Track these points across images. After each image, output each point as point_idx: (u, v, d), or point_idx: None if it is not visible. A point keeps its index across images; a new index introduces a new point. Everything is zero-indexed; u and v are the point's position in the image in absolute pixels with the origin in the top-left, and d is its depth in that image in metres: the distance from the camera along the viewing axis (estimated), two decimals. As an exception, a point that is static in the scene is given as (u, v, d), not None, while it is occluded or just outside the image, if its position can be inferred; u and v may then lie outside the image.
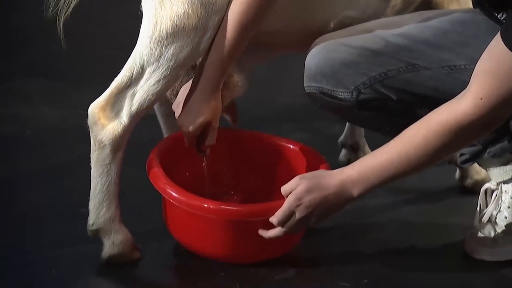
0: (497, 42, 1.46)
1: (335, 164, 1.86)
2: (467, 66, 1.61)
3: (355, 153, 2.19)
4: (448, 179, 2.12)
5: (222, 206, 1.69)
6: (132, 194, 1.88)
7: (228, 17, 1.64)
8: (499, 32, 1.46)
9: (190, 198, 1.69)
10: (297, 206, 1.58)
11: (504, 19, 1.58)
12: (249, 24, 1.64)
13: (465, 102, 1.49)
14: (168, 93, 1.83)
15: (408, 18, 1.78)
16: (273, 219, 1.61)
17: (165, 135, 2.00)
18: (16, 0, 3.36)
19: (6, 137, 2.33)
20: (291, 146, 1.91)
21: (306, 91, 1.76)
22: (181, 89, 1.76)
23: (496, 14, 1.60)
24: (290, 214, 1.59)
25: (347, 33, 1.75)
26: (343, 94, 1.72)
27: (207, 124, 1.70)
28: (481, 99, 1.48)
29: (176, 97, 1.79)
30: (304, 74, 1.74)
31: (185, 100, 1.70)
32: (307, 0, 1.77)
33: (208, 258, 1.75)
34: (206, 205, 1.68)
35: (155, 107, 1.96)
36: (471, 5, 1.84)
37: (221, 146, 1.84)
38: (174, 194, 1.69)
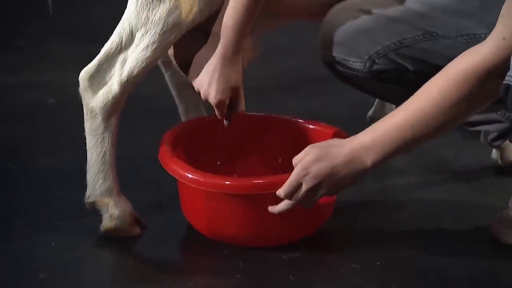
0: None
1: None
2: (487, 35, 1.53)
3: None
4: (484, 158, 2.07)
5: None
6: (144, 165, 1.87)
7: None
8: None
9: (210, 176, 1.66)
10: (304, 176, 1.52)
11: None
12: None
13: (487, 46, 1.42)
14: (174, 63, 1.81)
15: None
16: (280, 191, 1.55)
17: (179, 105, 2.01)
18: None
19: (29, 104, 2.37)
20: (310, 126, 1.86)
21: (321, 60, 1.74)
22: (195, 58, 1.72)
23: None
24: (298, 185, 1.54)
25: (363, 0, 1.73)
26: (356, 64, 1.70)
27: (236, 89, 1.69)
28: (504, 38, 1.40)
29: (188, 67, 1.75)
30: (319, 41, 1.71)
31: (205, 68, 1.67)
32: None
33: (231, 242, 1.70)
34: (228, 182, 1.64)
35: (167, 77, 1.97)
36: None
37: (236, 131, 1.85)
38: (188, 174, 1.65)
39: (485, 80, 1.43)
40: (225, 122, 1.77)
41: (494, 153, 2.05)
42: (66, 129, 2.19)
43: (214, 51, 1.67)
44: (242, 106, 1.72)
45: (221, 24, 1.65)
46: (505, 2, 1.42)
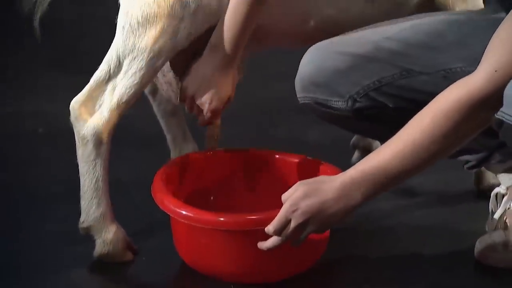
0: None
1: (347, 167, 1.82)
2: (463, 68, 1.58)
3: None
4: (465, 183, 2.09)
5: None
6: (136, 191, 1.88)
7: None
8: None
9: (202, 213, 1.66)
10: (293, 212, 1.51)
11: None
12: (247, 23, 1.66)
13: (478, 77, 1.43)
14: (165, 91, 1.83)
15: (401, 21, 1.75)
16: (269, 228, 1.53)
17: (167, 134, 2.02)
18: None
19: (19, 134, 2.39)
20: (294, 160, 1.87)
21: (300, 102, 1.75)
22: (192, 68, 1.75)
23: None
24: (287, 221, 1.52)
25: (340, 39, 1.74)
26: (338, 103, 1.71)
27: (228, 99, 1.74)
28: (495, 71, 1.41)
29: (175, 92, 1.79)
30: (297, 84, 1.75)
31: (203, 76, 1.71)
32: None
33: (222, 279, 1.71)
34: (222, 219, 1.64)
35: (154, 107, 1.99)
36: (480, 4, 1.83)
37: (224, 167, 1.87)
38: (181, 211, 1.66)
39: (476, 111, 1.44)
40: (211, 143, 1.80)
41: (474, 178, 2.06)
42: (56, 158, 2.21)
43: (211, 61, 1.70)
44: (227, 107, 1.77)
45: (219, 36, 1.68)
46: (494, 35, 1.45)
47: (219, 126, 1.79)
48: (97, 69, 1.74)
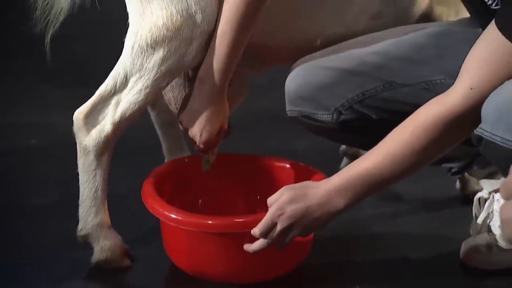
0: (491, 29, 1.45)
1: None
2: (443, 80, 1.62)
3: None
4: (449, 189, 2.12)
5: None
6: (130, 200, 1.89)
7: (222, 24, 1.66)
8: (494, 19, 1.45)
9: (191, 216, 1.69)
10: (279, 215, 1.54)
11: (494, 4, 1.55)
12: (243, 27, 1.65)
13: (455, 93, 1.47)
14: (168, 104, 1.86)
15: (384, 34, 1.78)
16: (255, 230, 1.56)
17: (163, 144, 2.05)
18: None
19: (12, 145, 2.39)
20: (282, 165, 1.90)
21: (288, 115, 1.78)
22: (183, 100, 1.77)
23: (487, 1, 1.56)
24: (273, 224, 1.55)
25: (324, 54, 1.77)
26: (323, 116, 1.74)
27: (221, 129, 1.74)
28: (471, 88, 1.45)
29: (177, 107, 1.81)
30: (286, 98, 1.77)
31: (192, 110, 1.72)
32: (292, 14, 1.79)
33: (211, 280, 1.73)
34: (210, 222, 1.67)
35: (152, 117, 2.02)
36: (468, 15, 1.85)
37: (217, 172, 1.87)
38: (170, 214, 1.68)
39: (453, 126, 1.48)
40: (205, 166, 1.80)
41: (458, 184, 2.10)
42: (50, 169, 2.23)
43: (200, 94, 1.71)
44: (219, 140, 1.77)
45: (206, 69, 1.69)
46: (469, 53, 1.48)
47: (215, 153, 1.80)
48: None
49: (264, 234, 1.55)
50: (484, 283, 1.77)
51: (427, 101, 1.51)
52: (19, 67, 3.04)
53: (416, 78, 1.69)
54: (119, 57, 1.73)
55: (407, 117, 1.52)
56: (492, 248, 1.78)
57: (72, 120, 1.76)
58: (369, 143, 1.57)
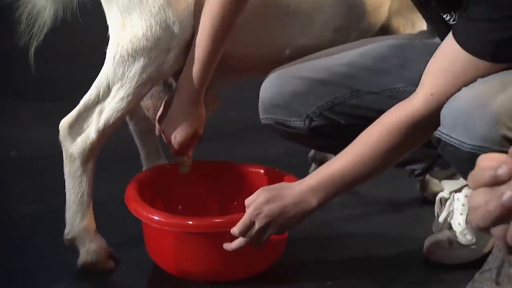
0: (449, 41, 1.50)
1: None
2: (405, 88, 1.67)
3: None
4: (410, 190, 2.16)
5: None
6: (111, 206, 1.91)
7: (200, 35, 1.70)
8: (451, 31, 1.50)
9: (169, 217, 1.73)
10: (257, 215, 1.58)
11: (452, 20, 1.61)
12: (219, 36, 1.69)
13: (417, 99, 1.52)
14: (146, 111, 1.90)
15: (350, 46, 1.82)
16: (234, 229, 1.60)
17: (141, 151, 2.05)
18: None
19: None
20: (255, 170, 1.93)
21: (263, 122, 1.81)
22: (163, 105, 1.81)
23: (443, 15, 1.61)
24: (251, 224, 1.59)
25: (296, 65, 1.79)
26: (296, 123, 1.77)
27: (194, 133, 1.76)
28: (431, 94, 1.50)
29: (156, 114, 1.84)
30: (259, 107, 1.80)
31: (170, 113, 1.76)
32: (262, 27, 1.81)
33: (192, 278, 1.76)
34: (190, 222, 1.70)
35: (131, 126, 2.03)
36: (424, 28, 1.91)
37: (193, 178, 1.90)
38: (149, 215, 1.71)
39: (415, 129, 1.52)
40: (182, 169, 1.84)
41: (418, 186, 2.14)
42: (32, 177, 2.25)
43: (179, 99, 1.74)
44: (196, 145, 1.80)
45: (184, 76, 1.72)
46: (429, 62, 1.54)
47: (190, 157, 1.83)
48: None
49: (243, 233, 1.59)
50: (445, 276, 1.81)
51: (390, 107, 1.57)
52: None
53: (380, 86, 1.73)
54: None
55: (373, 122, 1.57)
56: (452, 244, 1.83)
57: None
58: (339, 147, 1.61)
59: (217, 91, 1.88)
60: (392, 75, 1.73)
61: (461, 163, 1.50)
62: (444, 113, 1.48)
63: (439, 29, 1.66)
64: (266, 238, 1.61)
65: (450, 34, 1.50)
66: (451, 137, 1.47)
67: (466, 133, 1.45)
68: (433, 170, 1.92)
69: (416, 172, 1.95)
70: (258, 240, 1.61)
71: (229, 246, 1.63)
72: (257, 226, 1.58)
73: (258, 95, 1.84)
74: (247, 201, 1.61)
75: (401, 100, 1.57)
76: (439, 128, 1.49)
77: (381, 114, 1.58)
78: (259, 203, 1.58)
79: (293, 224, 1.61)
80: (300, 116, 1.76)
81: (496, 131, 1.43)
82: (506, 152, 0.99)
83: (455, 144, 1.47)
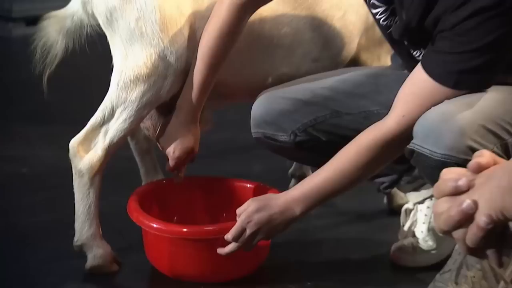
0: (418, 70, 1.52)
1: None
2: (379, 111, 1.68)
3: None
4: (379, 203, 2.18)
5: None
6: (113, 217, 1.91)
7: (198, 61, 1.70)
8: (420, 62, 1.52)
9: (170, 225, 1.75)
10: (248, 223, 1.59)
11: (420, 55, 1.62)
12: (214, 65, 1.71)
13: (390, 121, 1.54)
14: (146, 131, 1.90)
15: (333, 73, 1.85)
16: (228, 236, 1.61)
17: (141, 168, 2.05)
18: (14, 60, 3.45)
19: (6, 174, 2.39)
20: (242, 184, 1.94)
21: (254, 136, 1.81)
22: (162, 124, 1.82)
23: (413, 51, 1.63)
24: (242, 230, 1.60)
25: (284, 87, 1.81)
26: (283, 137, 1.77)
27: (191, 149, 1.77)
28: (403, 116, 1.52)
29: (155, 133, 1.85)
30: (251, 122, 1.81)
31: (169, 131, 1.77)
32: (249, 58, 1.83)
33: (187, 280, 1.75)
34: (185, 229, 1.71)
35: (132, 145, 2.03)
36: (388, 61, 1.95)
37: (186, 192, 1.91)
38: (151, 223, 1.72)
39: (389, 147, 1.55)
40: (176, 179, 1.83)
41: (385, 199, 2.16)
42: (43, 192, 2.22)
43: (177, 119, 1.75)
44: (192, 161, 1.81)
45: (182, 98, 1.74)
46: (401, 88, 1.55)
47: (183, 172, 1.83)
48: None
49: (236, 238, 1.60)
50: (410, 277, 1.82)
51: (365, 127, 1.58)
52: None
53: (357, 108, 1.74)
54: (100, 96, 1.75)
55: (349, 139, 1.58)
56: (416, 249, 1.85)
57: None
58: (320, 161, 1.62)
59: (211, 113, 1.89)
60: (368, 99, 1.74)
61: (432, 171, 1.49)
62: (416, 128, 1.49)
63: (407, 63, 1.67)
64: (255, 243, 1.62)
65: (419, 64, 1.52)
66: (423, 147, 1.48)
67: (436, 144, 1.46)
68: (400, 184, 1.93)
69: (384, 185, 1.96)
70: (248, 245, 1.62)
71: (223, 250, 1.64)
72: (248, 232, 1.60)
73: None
74: (238, 210, 1.62)
75: (374, 122, 1.58)
76: (412, 141, 1.50)
77: (357, 133, 1.59)
78: (249, 212, 1.60)
79: (279, 231, 1.62)
80: (286, 132, 1.77)
81: (462, 142, 1.44)
82: (469, 161, 1.02)
83: (427, 154, 1.47)
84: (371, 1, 1.65)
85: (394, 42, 1.68)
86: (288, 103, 1.77)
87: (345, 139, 1.60)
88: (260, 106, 1.80)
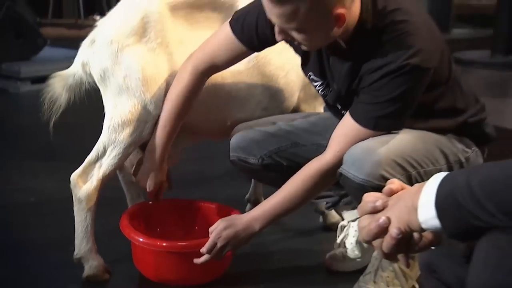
0: (347, 117, 1.55)
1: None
2: (325, 144, 1.66)
3: (256, 205, 2.21)
4: (316, 221, 2.20)
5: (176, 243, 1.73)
6: (106, 235, 1.90)
7: (163, 113, 1.71)
8: (349, 110, 1.55)
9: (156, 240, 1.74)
10: (218, 238, 1.61)
11: (344, 111, 1.63)
12: (178, 115, 1.71)
13: (327, 155, 1.56)
14: (130, 167, 1.88)
15: (296, 115, 1.89)
16: (203, 249, 1.63)
17: (127, 195, 2.02)
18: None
19: (18, 202, 2.35)
20: (210, 206, 1.94)
21: (230, 159, 1.82)
22: (136, 163, 1.81)
23: (342, 111, 1.65)
24: (214, 244, 1.61)
25: (257, 122, 1.83)
26: (252, 160, 1.78)
27: (161, 182, 1.79)
28: (337, 151, 1.54)
29: (133, 168, 1.84)
30: (230, 148, 1.81)
31: (142, 169, 1.77)
32: (212, 106, 1.83)
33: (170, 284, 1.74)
34: (165, 244, 1.71)
35: (119, 177, 2.00)
36: (322, 111, 1.98)
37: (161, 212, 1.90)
38: (141, 239, 1.73)
39: (327, 175, 1.57)
40: (156, 202, 1.84)
41: (321, 218, 2.16)
42: (48, 216, 2.20)
43: (148, 161, 1.75)
44: (165, 189, 1.81)
45: (152, 144, 1.74)
46: (334, 130, 1.57)
47: (160, 198, 1.84)
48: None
49: (209, 251, 1.63)
50: (340, 279, 1.84)
51: (316, 156, 1.60)
52: (10, 148, 2.96)
53: (311, 142, 1.76)
54: (95, 137, 1.75)
55: (303, 165, 1.60)
56: (345, 258, 1.87)
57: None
58: (281, 183, 1.62)
59: (180, 149, 1.87)
60: (320, 135, 1.75)
61: (354, 191, 1.52)
62: (345, 157, 1.53)
63: (336, 114, 1.72)
64: (224, 254, 1.64)
65: (348, 113, 1.56)
66: (349, 172, 1.50)
67: (358, 170, 1.48)
68: (339, 205, 1.95)
69: (327, 205, 1.96)
70: (219, 255, 1.64)
71: (198, 260, 1.65)
72: (218, 245, 1.62)
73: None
74: (210, 229, 1.64)
75: (323, 152, 1.60)
76: (342, 166, 1.53)
77: (308, 161, 1.61)
78: (219, 230, 1.62)
79: (243, 243, 1.63)
80: (255, 156, 1.78)
81: (377, 171, 1.47)
82: (383, 186, 1.07)
83: (351, 177, 1.50)
84: (311, 77, 1.68)
85: (329, 106, 1.73)
86: (258, 134, 1.79)
87: (301, 165, 1.62)
88: (237, 135, 1.81)
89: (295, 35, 1.45)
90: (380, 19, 1.47)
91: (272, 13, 1.43)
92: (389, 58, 1.44)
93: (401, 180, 1.15)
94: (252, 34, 1.62)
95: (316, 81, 1.68)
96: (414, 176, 1.51)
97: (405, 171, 1.50)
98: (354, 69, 1.53)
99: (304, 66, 1.69)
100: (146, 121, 1.74)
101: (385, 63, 1.45)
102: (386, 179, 1.42)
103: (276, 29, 1.47)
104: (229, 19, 1.67)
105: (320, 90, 1.69)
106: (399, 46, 1.44)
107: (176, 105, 1.71)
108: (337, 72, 1.58)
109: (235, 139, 1.81)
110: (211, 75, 1.74)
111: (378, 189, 1.40)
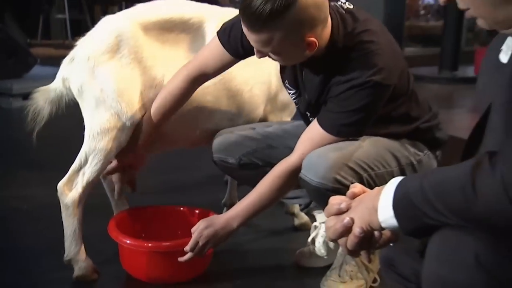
0: (314, 123, 1.56)
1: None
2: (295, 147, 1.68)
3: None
4: (287, 222, 2.19)
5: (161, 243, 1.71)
6: (94, 239, 1.87)
7: (153, 106, 1.70)
8: (316, 117, 1.56)
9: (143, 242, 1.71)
10: (199, 237, 1.60)
11: (313, 118, 1.63)
12: (164, 111, 1.71)
13: (294, 157, 1.56)
14: (113, 178, 1.84)
15: (272, 123, 1.89)
16: (187, 247, 1.62)
17: (112, 202, 1.98)
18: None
19: (12, 209, 2.32)
20: (191, 210, 1.93)
21: (213, 160, 1.82)
22: (116, 160, 1.77)
23: (311, 119, 1.65)
24: (196, 243, 1.61)
25: (237, 128, 1.84)
26: (231, 160, 1.79)
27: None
28: (302, 154, 1.55)
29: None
30: (212, 149, 1.82)
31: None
32: (182, 118, 1.80)
33: (150, 282, 1.72)
34: (150, 244, 1.69)
35: (105, 185, 1.98)
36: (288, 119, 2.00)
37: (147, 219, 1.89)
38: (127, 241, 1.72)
39: (293, 176, 1.56)
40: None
41: (293, 219, 2.15)
42: (41, 222, 2.17)
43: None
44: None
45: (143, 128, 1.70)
46: (302, 134, 1.57)
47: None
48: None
49: (192, 249, 1.62)
50: (309, 274, 1.84)
51: (285, 156, 1.59)
52: (3, 159, 2.93)
53: (284, 145, 1.76)
54: (78, 147, 1.72)
55: (276, 165, 1.59)
56: (312, 255, 1.87)
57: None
58: (254, 181, 1.62)
59: (146, 155, 1.83)
60: (291, 140, 1.73)
61: (312, 193, 1.53)
62: (303, 162, 1.54)
63: (307, 123, 1.71)
64: (206, 251, 1.64)
65: (315, 119, 1.57)
66: (306, 176, 1.51)
67: (314, 174, 1.50)
68: (311, 206, 1.91)
69: (301, 207, 1.94)
70: (201, 253, 1.64)
71: (182, 258, 1.65)
72: (200, 244, 1.61)
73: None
74: (192, 229, 1.63)
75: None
76: (301, 170, 1.55)
77: (279, 161, 1.61)
78: (200, 229, 1.62)
79: (223, 241, 1.63)
80: (234, 157, 1.79)
81: (330, 174, 1.48)
82: (338, 188, 1.06)
83: (308, 180, 1.51)
84: (286, 85, 1.69)
85: (301, 114, 1.73)
86: (237, 137, 1.80)
87: (274, 165, 1.62)
88: (219, 138, 1.82)
89: (271, 55, 1.48)
90: (349, 38, 1.49)
91: (250, 38, 1.45)
92: (355, 74, 1.47)
93: (361, 183, 1.16)
94: (238, 44, 1.62)
95: (290, 89, 1.69)
96: (365, 178, 1.52)
97: (357, 174, 1.51)
98: (324, 82, 1.54)
99: (282, 73, 1.71)
100: (122, 130, 1.72)
101: (352, 78, 1.47)
102: (339, 182, 1.48)
103: (255, 49, 1.49)
104: (218, 30, 1.67)
105: (293, 98, 1.70)
106: (365, 63, 1.47)
107: (165, 103, 1.70)
108: (309, 83, 1.59)
109: (217, 142, 1.81)
110: (202, 82, 1.73)
111: (333, 190, 1.45)
